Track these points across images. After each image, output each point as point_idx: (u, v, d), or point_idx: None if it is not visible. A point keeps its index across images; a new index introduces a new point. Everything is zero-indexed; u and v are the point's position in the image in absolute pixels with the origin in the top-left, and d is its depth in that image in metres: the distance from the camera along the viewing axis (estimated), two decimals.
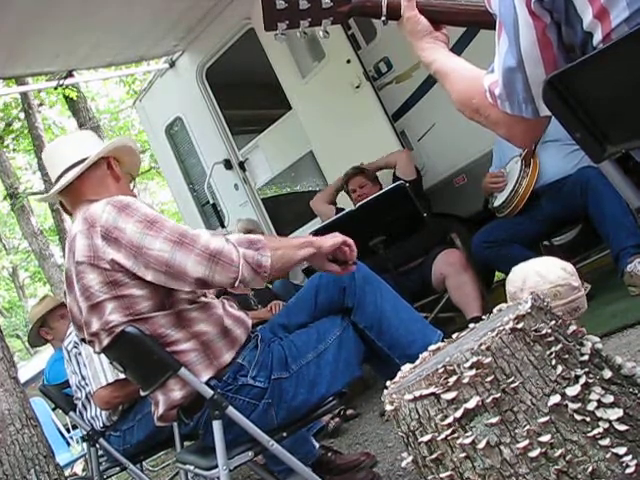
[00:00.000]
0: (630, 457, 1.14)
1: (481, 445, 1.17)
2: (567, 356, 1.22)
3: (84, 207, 1.89)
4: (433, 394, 1.21)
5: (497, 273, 4.58)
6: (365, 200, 3.72)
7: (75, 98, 9.66)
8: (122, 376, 2.53)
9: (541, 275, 1.78)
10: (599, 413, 1.17)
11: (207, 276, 1.71)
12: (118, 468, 2.94)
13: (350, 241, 1.92)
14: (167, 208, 18.89)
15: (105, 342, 1.83)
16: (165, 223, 1.76)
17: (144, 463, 3.72)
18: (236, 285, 1.73)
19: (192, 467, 1.94)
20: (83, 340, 1.97)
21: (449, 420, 1.19)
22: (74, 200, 1.99)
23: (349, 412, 3.41)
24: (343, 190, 4.32)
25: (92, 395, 2.79)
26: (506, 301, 1.64)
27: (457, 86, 1.27)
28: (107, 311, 1.79)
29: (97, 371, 2.74)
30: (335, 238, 1.90)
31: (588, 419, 1.17)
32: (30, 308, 4.45)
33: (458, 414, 1.19)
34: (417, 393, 1.23)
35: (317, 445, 2.49)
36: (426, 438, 1.22)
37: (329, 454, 2.52)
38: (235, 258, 1.71)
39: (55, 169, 2.01)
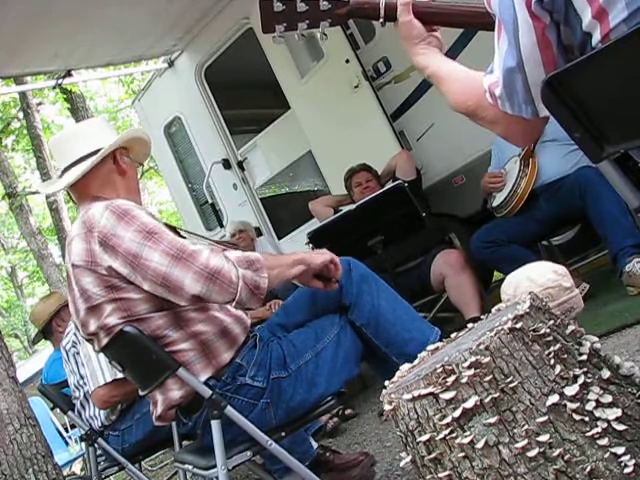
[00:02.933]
0: (628, 457, 1.14)
1: (480, 445, 1.17)
2: (566, 356, 1.22)
3: (87, 204, 1.89)
4: (432, 394, 1.21)
5: (496, 273, 4.58)
6: (364, 200, 3.72)
7: (77, 92, 9.65)
8: (120, 375, 2.53)
9: (531, 280, 1.78)
10: (597, 413, 1.17)
11: (204, 294, 1.71)
12: (116, 468, 2.94)
13: (336, 259, 1.93)
14: (165, 208, 18.87)
15: (104, 341, 1.83)
16: (164, 235, 1.75)
17: (142, 463, 3.72)
18: (233, 305, 1.74)
19: (191, 467, 1.95)
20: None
21: (448, 420, 1.19)
22: (80, 194, 1.99)
23: (348, 412, 3.41)
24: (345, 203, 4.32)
25: (90, 394, 2.79)
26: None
27: (453, 88, 1.27)
28: (105, 313, 1.79)
29: (95, 370, 2.74)
30: (324, 256, 1.91)
31: (587, 419, 1.17)
32: (38, 301, 4.43)
33: (457, 414, 1.19)
34: (416, 393, 1.23)
35: (315, 445, 2.49)
36: (424, 438, 1.22)
37: (327, 454, 2.52)
38: (234, 279, 1.70)
39: (63, 160, 2.00)
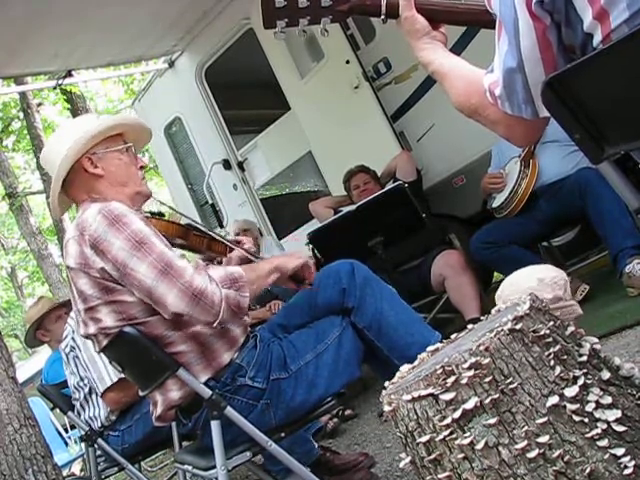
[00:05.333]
0: (628, 458, 1.14)
1: (479, 446, 1.16)
2: (565, 357, 1.22)
3: (85, 204, 1.89)
4: (431, 395, 1.21)
5: (496, 274, 4.58)
6: (364, 200, 3.72)
7: (78, 92, 9.64)
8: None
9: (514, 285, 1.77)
10: (597, 414, 1.17)
11: (186, 313, 1.71)
12: (116, 468, 2.93)
13: (310, 263, 2.00)
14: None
15: (104, 342, 1.84)
16: (153, 247, 1.74)
17: (142, 463, 3.71)
18: (214, 325, 1.74)
19: (190, 467, 1.94)
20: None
21: (447, 421, 1.19)
22: (74, 200, 1.99)
23: (347, 412, 3.41)
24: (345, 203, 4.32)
25: (101, 397, 2.78)
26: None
27: (456, 86, 1.27)
28: (101, 315, 1.79)
29: (101, 372, 2.73)
30: (298, 260, 1.96)
31: (586, 420, 1.16)
32: (27, 309, 4.49)
33: (456, 415, 1.19)
34: (415, 394, 1.23)
35: (316, 445, 2.49)
36: (424, 439, 1.22)
37: (327, 454, 2.52)
38: (217, 301, 1.71)
39: (50, 175, 1.99)
